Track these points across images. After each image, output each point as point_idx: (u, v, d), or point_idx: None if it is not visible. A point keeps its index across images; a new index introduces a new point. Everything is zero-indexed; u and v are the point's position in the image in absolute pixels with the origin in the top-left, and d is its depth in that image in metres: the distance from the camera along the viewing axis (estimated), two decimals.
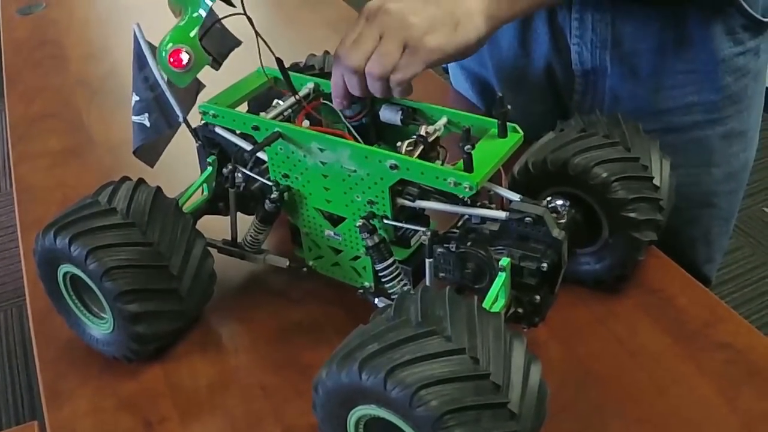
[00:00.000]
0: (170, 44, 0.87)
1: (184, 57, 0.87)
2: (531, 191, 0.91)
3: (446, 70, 1.52)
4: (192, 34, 0.87)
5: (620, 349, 0.90)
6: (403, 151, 0.80)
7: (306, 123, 0.89)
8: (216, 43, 0.92)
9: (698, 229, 1.28)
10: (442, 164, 0.83)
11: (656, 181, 0.91)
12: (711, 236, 1.30)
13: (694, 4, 1.11)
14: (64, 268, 0.90)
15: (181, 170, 1.06)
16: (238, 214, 0.98)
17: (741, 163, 1.26)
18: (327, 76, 1.02)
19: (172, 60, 0.87)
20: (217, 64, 0.93)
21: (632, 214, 0.88)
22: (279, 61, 0.91)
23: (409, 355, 0.63)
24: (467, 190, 0.76)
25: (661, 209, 0.92)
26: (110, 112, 1.47)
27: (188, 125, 0.98)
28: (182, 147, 1.03)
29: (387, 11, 0.86)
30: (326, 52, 1.09)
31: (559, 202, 0.84)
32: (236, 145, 0.93)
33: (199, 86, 1.02)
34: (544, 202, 0.83)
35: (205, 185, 0.99)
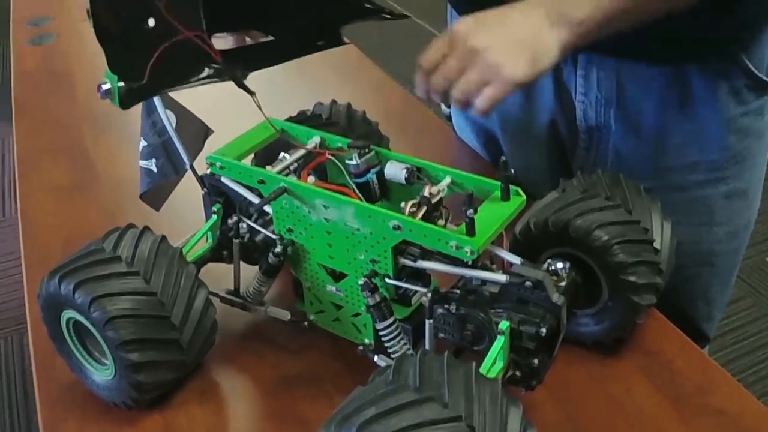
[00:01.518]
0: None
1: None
2: (532, 251, 0.92)
3: (449, 118, 1.53)
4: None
5: (616, 411, 0.91)
6: (407, 212, 0.81)
7: (311, 179, 0.90)
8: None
9: (698, 287, 1.28)
10: (445, 224, 0.84)
11: (656, 244, 0.92)
12: (711, 294, 1.30)
13: (698, 62, 1.12)
14: (68, 313, 0.91)
15: (185, 214, 1.07)
16: (241, 262, 0.98)
17: (743, 222, 1.26)
18: (333, 126, 1.04)
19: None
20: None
21: (632, 278, 0.89)
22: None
23: (406, 422, 0.64)
24: (469, 254, 0.77)
25: (661, 272, 0.92)
26: (117, 149, 1.48)
27: (195, 173, 0.99)
28: (187, 191, 1.04)
29: (473, 50, 0.94)
30: (333, 101, 1.10)
31: (560, 265, 0.85)
32: (242, 195, 0.94)
33: (207, 132, 1.04)
34: (545, 265, 0.84)
35: (209, 233, 1.00)
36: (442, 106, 1.52)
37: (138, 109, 1.35)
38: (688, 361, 0.97)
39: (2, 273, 2.92)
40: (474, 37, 0.95)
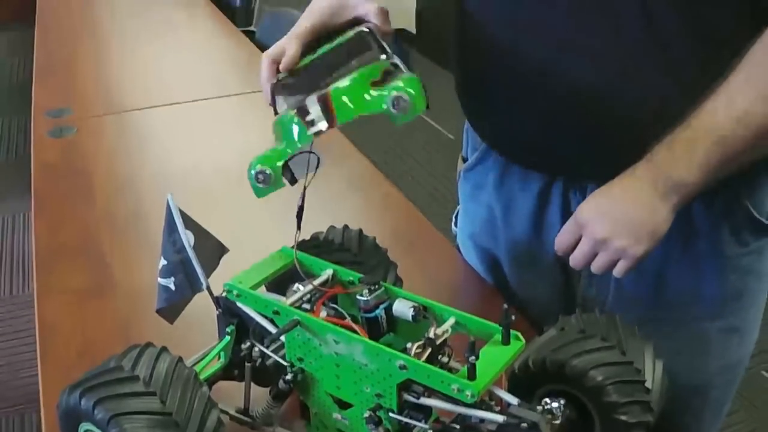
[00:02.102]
0: (258, 164, 0.96)
1: (265, 176, 0.97)
2: (529, 386, 0.96)
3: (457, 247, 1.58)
4: (279, 163, 0.96)
5: None
6: (413, 352, 0.86)
7: (324, 313, 0.95)
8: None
9: (691, 416, 1.31)
10: (448, 361, 0.89)
11: (648, 384, 0.96)
12: (703, 424, 1.33)
13: (702, 200, 1.16)
14: (85, 426, 0.95)
15: (198, 327, 1.12)
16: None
17: (738, 356, 1.30)
18: (345, 252, 1.09)
19: (257, 176, 0.97)
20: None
21: (624, 417, 0.93)
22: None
23: None
24: (469, 397, 0.82)
25: (652, 410, 0.96)
26: (134, 254, 1.53)
27: (210, 293, 1.04)
28: (201, 305, 1.08)
29: (600, 240, 1.09)
30: (345, 227, 1.15)
31: (555, 404, 0.90)
32: (256, 320, 0.99)
33: (223, 251, 1.09)
34: (540, 406, 0.89)
35: (222, 353, 1.05)
36: (452, 225, 1.57)
37: (151, 214, 1.40)
38: None
39: (10, 351, 2.96)
40: (597, 227, 1.09)
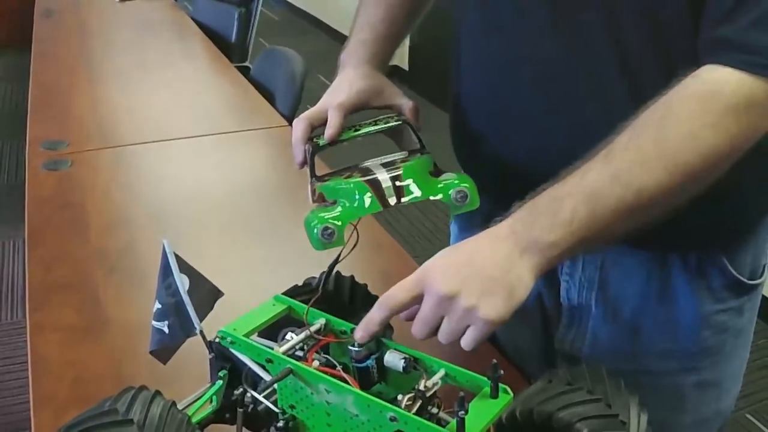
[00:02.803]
0: (326, 222, 1.03)
1: (331, 233, 1.04)
2: None
3: None
4: (344, 223, 1.04)
5: None
6: (403, 405, 0.88)
7: (316, 362, 0.97)
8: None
9: None
10: (438, 412, 0.90)
11: None
12: None
13: (679, 255, 1.18)
14: None
15: (191, 368, 1.13)
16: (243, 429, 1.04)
17: (712, 411, 1.31)
18: (337, 300, 1.11)
19: (324, 232, 1.03)
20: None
21: None
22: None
23: None
24: None
25: None
26: (126, 292, 1.54)
27: (204, 338, 1.05)
28: (193, 346, 1.09)
29: (445, 297, 0.98)
30: (338, 273, 1.16)
31: None
32: (248, 366, 1.01)
33: (217, 295, 1.11)
34: None
35: (214, 396, 1.06)
36: None
37: (145, 250, 1.42)
38: None
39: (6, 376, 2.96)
40: (444, 283, 0.98)
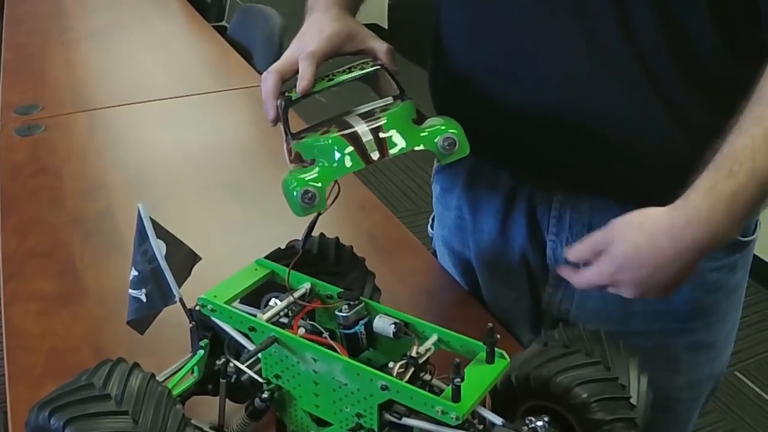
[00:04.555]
0: (306, 185, 0.93)
1: (312, 197, 0.94)
2: (512, 403, 0.94)
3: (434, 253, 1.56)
4: (325, 185, 0.94)
5: None
6: (395, 373, 0.83)
7: (302, 330, 0.92)
8: None
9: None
10: (431, 380, 0.86)
11: (633, 400, 0.94)
12: None
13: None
14: None
15: (169, 336, 1.09)
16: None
17: (705, 373, 1.28)
18: (322, 262, 1.07)
19: (304, 196, 0.93)
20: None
21: None
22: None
23: None
24: (454, 419, 0.80)
25: (636, 426, 0.95)
26: (104, 258, 1.50)
27: (184, 306, 1.01)
28: (172, 314, 1.05)
29: (623, 282, 1.02)
30: (322, 234, 1.12)
31: (539, 423, 0.87)
32: (230, 334, 0.96)
33: (195, 259, 1.06)
34: (525, 426, 0.86)
35: (195, 367, 1.02)
36: (428, 228, 1.55)
37: (122, 215, 1.38)
38: None
39: None
40: (626, 272, 1.01)
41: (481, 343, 0.87)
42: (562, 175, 1.18)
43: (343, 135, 0.96)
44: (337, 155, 0.95)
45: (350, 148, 0.95)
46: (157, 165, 1.89)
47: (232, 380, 0.97)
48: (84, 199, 1.72)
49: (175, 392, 0.97)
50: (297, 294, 0.97)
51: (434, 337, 0.90)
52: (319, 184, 0.94)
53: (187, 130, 2.12)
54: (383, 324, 0.92)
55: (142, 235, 1.03)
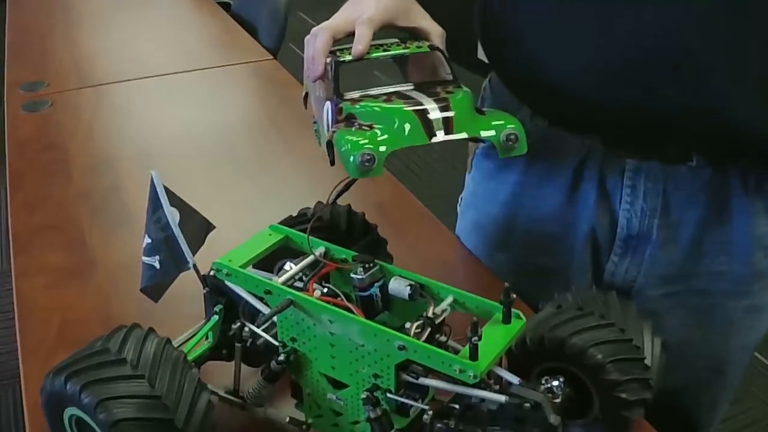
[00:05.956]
0: (365, 149, 0.89)
1: (371, 160, 0.90)
2: (527, 364, 0.94)
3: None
4: (383, 149, 0.90)
5: None
6: (412, 333, 0.83)
7: (317, 292, 0.92)
8: None
9: (707, 395, 1.29)
10: (447, 340, 0.86)
11: (647, 361, 0.95)
12: (717, 403, 1.32)
13: (737, 174, 1.14)
14: (71, 410, 0.92)
15: (183, 303, 1.10)
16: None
17: (757, 337, 1.28)
18: (334, 230, 1.07)
19: (364, 159, 0.89)
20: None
21: (623, 395, 0.91)
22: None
23: None
24: (472, 378, 0.80)
25: (651, 387, 0.95)
26: (112, 232, 1.50)
27: (197, 272, 1.01)
28: (185, 281, 1.05)
29: None
30: (334, 202, 1.11)
31: (555, 383, 0.87)
32: (245, 299, 0.96)
33: (209, 228, 1.06)
34: (541, 385, 0.87)
35: (210, 332, 1.02)
36: (458, 207, 1.53)
37: (130, 189, 1.37)
38: None
39: None
40: None
41: (497, 304, 0.87)
42: (638, 138, 1.15)
43: (413, 109, 0.93)
44: (407, 126, 0.92)
45: (418, 123, 0.92)
46: (163, 139, 1.90)
47: (248, 344, 0.97)
48: (91, 174, 1.72)
49: (190, 357, 0.97)
50: (312, 258, 0.97)
51: (450, 299, 0.90)
52: (383, 149, 0.91)
53: (193, 105, 2.12)
54: (399, 286, 0.92)
55: (155, 203, 1.03)
